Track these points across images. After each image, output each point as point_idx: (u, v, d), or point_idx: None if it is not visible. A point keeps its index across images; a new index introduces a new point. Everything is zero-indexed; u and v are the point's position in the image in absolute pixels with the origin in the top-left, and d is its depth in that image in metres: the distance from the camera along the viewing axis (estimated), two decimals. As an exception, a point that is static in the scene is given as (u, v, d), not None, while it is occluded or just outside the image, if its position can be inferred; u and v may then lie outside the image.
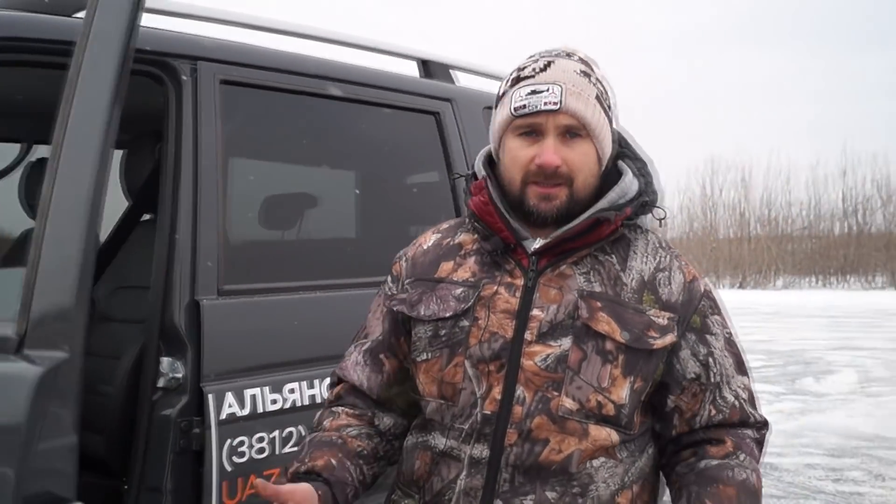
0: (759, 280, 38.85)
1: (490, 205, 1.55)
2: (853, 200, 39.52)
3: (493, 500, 1.48)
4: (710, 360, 1.59)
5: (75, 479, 1.45)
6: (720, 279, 39.55)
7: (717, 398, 1.59)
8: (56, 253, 1.42)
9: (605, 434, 1.50)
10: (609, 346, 1.49)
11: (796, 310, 22.96)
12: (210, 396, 2.02)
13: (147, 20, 2.25)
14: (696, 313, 1.59)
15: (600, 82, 1.58)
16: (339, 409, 1.65)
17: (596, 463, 1.50)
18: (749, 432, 1.62)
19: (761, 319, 20.11)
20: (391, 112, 2.77)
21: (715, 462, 1.56)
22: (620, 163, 1.63)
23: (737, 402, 1.61)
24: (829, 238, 39.48)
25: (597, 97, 1.54)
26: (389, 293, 1.67)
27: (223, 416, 2.03)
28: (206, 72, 2.25)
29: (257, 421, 2.11)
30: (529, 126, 1.52)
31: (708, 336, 1.60)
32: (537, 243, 1.54)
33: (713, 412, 1.59)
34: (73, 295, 1.42)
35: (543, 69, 1.53)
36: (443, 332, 1.55)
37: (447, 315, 1.54)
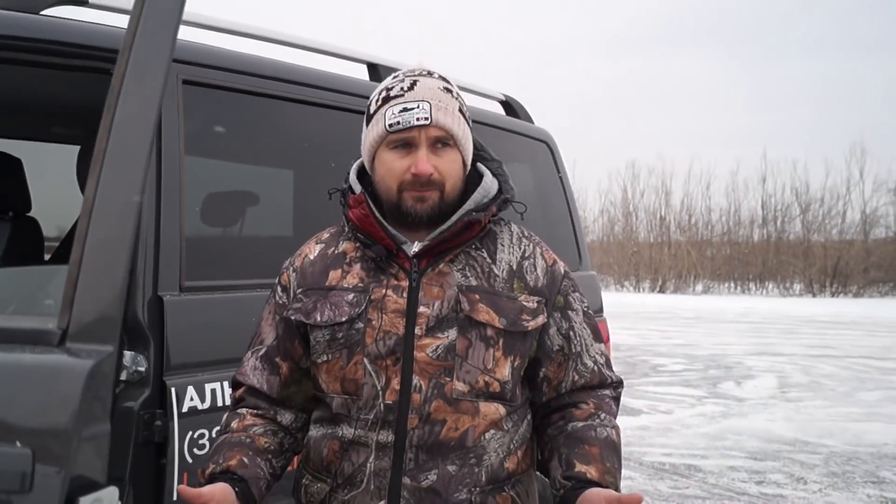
0: (679, 284, 39.68)
1: (370, 216, 1.71)
2: (772, 208, 40.68)
3: (402, 478, 1.66)
4: (571, 332, 1.82)
5: (107, 465, 1.51)
6: (640, 283, 40.29)
7: (579, 365, 1.82)
8: (99, 251, 1.49)
9: (493, 409, 1.71)
10: (490, 332, 1.70)
11: (716, 315, 23.56)
12: (172, 389, 2.07)
13: (112, 19, 2.30)
14: (560, 293, 1.82)
15: (460, 96, 1.77)
16: (244, 410, 1.80)
17: (487, 436, 1.71)
18: (607, 392, 1.85)
19: (681, 324, 20.59)
20: (348, 115, 2.84)
21: (580, 424, 1.78)
22: (479, 165, 1.83)
23: (595, 367, 1.84)
24: (748, 244, 40.52)
25: (459, 109, 1.73)
26: (281, 302, 1.82)
27: (185, 408, 2.08)
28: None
29: (217, 414, 2.13)
30: (403, 140, 1.69)
31: (570, 312, 1.83)
32: (416, 247, 1.72)
33: (576, 377, 1.82)
34: (116, 292, 1.50)
35: (410, 88, 1.70)
36: (340, 335, 1.70)
37: (343, 320, 1.70)
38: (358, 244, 1.77)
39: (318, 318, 1.72)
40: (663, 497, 5.78)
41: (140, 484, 2.04)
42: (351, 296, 1.72)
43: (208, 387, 2.15)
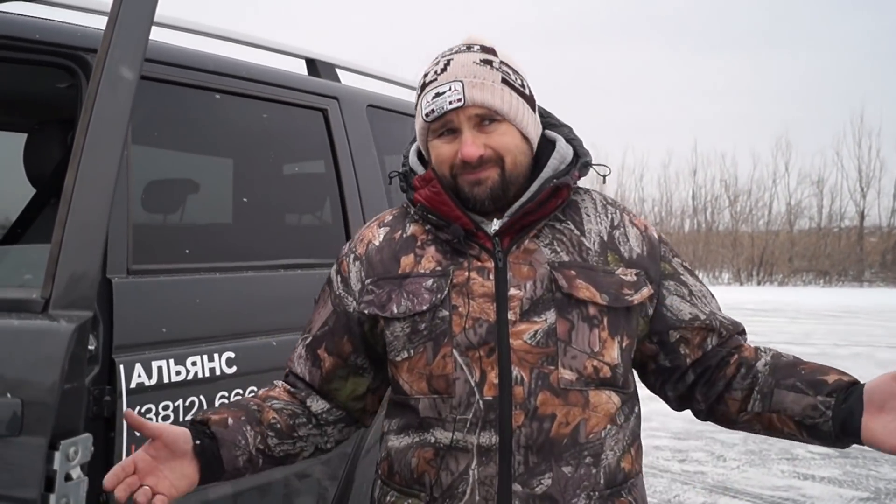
0: (614, 274, 40.23)
1: (443, 194, 1.56)
2: (702, 199, 41.59)
3: (511, 485, 1.46)
4: (694, 296, 1.67)
5: (83, 416, 1.69)
6: (577, 273, 40.78)
7: (716, 322, 1.67)
8: (77, 233, 1.71)
9: (605, 398, 1.52)
10: (592, 310, 1.52)
11: (648, 303, 23.97)
12: (121, 367, 2.15)
13: (61, 15, 2.39)
14: (663, 260, 1.66)
15: (504, 64, 1.59)
16: (279, 382, 1.72)
17: (602, 432, 1.51)
18: (741, 338, 1.71)
19: (616, 312, 20.92)
20: (285, 108, 2.97)
21: (767, 357, 1.63)
22: (548, 132, 1.68)
23: (729, 319, 1.71)
24: (679, 234, 41.32)
25: (503, 80, 1.56)
26: (338, 293, 1.68)
27: (132, 385, 2.17)
28: (114, 66, 2.37)
29: (163, 390, 2.25)
30: (443, 126, 1.56)
31: (682, 276, 1.68)
32: (496, 223, 1.56)
33: (723, 332, 1.67)
34: (93, 267, 1.75)
35: (444, 69, 1.56)
36: (422, 326, 1.53)
37: (424, 308, 1.53)
38: (428, 226, 1.62)
39: (395, 310, 1.55)
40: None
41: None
42: (430, 281, 1.54)
43: (155, 364, 2.24)
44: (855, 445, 1.51)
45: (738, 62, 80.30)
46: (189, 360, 2.34)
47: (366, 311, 1.60)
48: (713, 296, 1.71)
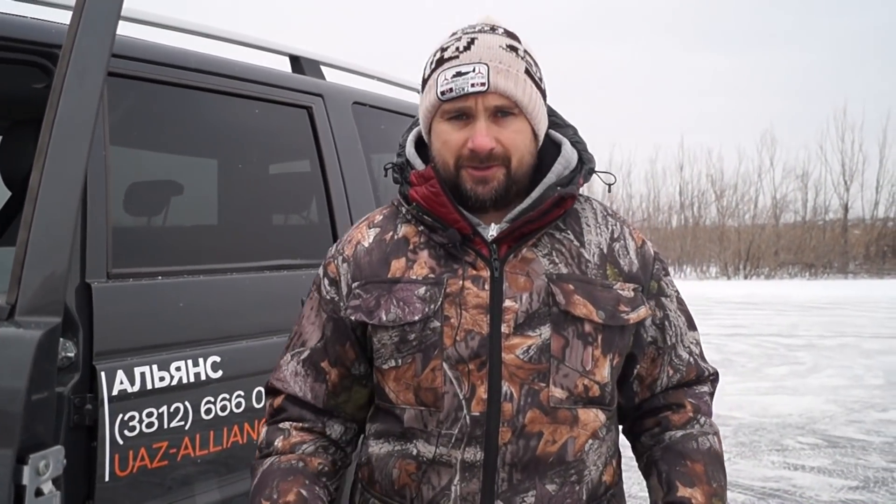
0: (601, 270, 40.31)
1: (442, 195, 1.45)
2: (689, 194, 41.76)
3: (494, 502, 1.43)
4: (666, 322, 1.59)
5: (54, 427, 1.60)
6: (565, 269, 40.91)
7: (674, 358, 1.60)
8: (44, 235, 1.61)
9: (592, 416, 1.48)
10: (588, 328, 1.45)
11: (636, 298, 24.01)
12: (102, 374, 2.09)
13: (37, 12, 2.32)
14: (653, 278, 1.58)
15: (528, 54, 1.49)
16: (287, 425, 1.57)
17: (586, 447, 1.48)
18: (705, 388, 1.64)
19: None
20: (270, 106, 2.91)
21: (679, 433, 1.58)
22: (552, 133, 1.58)
23: (691, 360, 1.62)
24: (667, 230, 41.46)
25: (526, 71, 1.46)
26: (328, 297, 1.57)
27: (115, 392, 2.11)
28: (92, 64, 2.30)
29: (147, 397, 2.19)
30: (458, 110, 1.43)
31: (663, 299, 1.60)
32: (494, 230, 1.47)
33: (671, 372, 1.60)
34: (60, 270, 1.64)
35: (467, 48, 1.44)
36: (412, 336, 1.45)
37: (415, 318, 1.44)
38: (421, 227, 1.51)
39: (384, 317, 1.46)
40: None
41: (72, 466, 2.06)
42: (422, 289, 1.45)
43: (137, 370, 2.17)
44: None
45: (724, 59, 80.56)
46: (173, 366, 2.28)
47: (352, 318, 1.51)
48: (693, 330, 1.65)
